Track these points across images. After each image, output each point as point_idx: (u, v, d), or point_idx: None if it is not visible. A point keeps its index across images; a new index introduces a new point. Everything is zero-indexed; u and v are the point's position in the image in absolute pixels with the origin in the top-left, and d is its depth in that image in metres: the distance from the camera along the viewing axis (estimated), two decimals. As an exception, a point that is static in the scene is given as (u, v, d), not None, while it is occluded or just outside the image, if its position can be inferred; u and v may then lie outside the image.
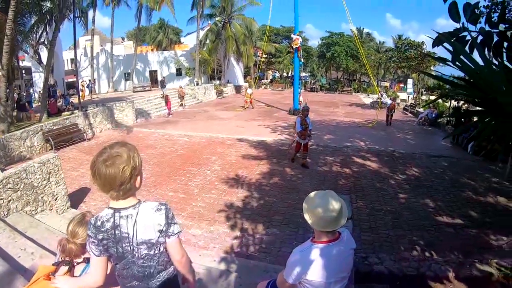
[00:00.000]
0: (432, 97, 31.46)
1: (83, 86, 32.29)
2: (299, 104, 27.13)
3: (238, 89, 48.75)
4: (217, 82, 47.06)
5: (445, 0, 2.72)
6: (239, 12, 45.57)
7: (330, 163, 12.83)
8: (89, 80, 37.68)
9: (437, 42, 2.73)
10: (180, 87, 32.61)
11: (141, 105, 26.36)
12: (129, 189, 2.05)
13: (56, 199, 7.79)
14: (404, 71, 46.67)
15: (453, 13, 2.59)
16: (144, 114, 25.00)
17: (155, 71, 46.41)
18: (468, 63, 2.18)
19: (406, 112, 32.04)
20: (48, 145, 15.33)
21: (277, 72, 68.74)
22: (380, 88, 48.77)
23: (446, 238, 7.16)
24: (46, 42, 23.22)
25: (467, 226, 7.75)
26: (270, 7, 39.82)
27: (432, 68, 37.95)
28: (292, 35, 26.97)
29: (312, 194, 2.52)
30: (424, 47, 39.86)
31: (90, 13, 37.47)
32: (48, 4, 19.00)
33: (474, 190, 10.21)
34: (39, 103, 20.11)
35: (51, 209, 7.63)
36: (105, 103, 22.36)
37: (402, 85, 54.29)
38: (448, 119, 22.62)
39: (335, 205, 2.37)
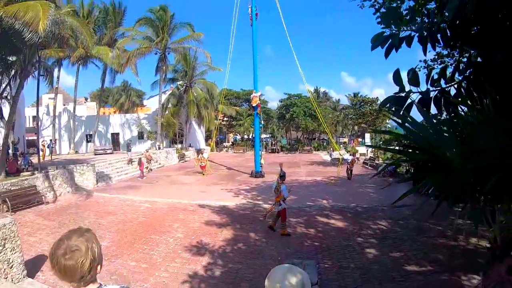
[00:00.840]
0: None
1: (43, 145, 31.68)
2: (261, 166, 27.28)
3: (200, 153, 48.89)
4: (179, 146, 47.13)
5: (386, 56, 2.90)
6: (200, 77, 46.99)
7: (294, 225, 12.73)
8: (50, 140, 37.06)
9: (383, 104, 2.88)
10: (146, 150, 32.39)
11: (102, 169, 25.90)
12: (89, 279, 2.00)
13: (11, 267, 7.23)
14: (362, 126, 48.58)
15: (397, 79, 2.81)
16: (105, 178, 24.45)
17: (117, 134, 46.39)
18: (413, 128, 2.30)
19: (366, 166, 32.84)
20: (4, 206, 14.63)
21: (238, 134, 69.73)
22: (341, 146, 50.16)
23: (416, 286, 7.12)
24: (8, 97, 22.72)
25: (437, 271, 7.78)
26: (227, 71, 40.96)
27: (387, 121, 39.90)
28: (252, 95, 27.59)
29: (273, 269, 2.46)
30: (378, 102, 41.93)
31: (56, 70, 37.48)
32: (13, 58, 18.88)
33: (440, 234, 10.41)
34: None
35: (6, 278, 7.06)
36: (66, 165, 21.87)
37: (360, 139, 56.33)
38: (407, 168, 23.22)
39: (293, 282, 2.32)
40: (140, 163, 26.97)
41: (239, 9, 28.08)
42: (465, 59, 3.54)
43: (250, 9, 26.19)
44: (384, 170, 24.90)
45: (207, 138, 57.75)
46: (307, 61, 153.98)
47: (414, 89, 2.90)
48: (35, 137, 29.57)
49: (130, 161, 29.98)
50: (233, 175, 28.85)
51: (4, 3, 15.22)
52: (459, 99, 2.85)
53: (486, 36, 2.79)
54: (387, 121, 40.87)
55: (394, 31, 2.97)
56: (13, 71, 19.50)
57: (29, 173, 18.53)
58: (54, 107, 39.06)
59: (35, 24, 14.40)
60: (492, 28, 2.71)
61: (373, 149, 39.65)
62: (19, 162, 20.41)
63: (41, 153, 23.33)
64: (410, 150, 2.53)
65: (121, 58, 36.94)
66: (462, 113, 2.70)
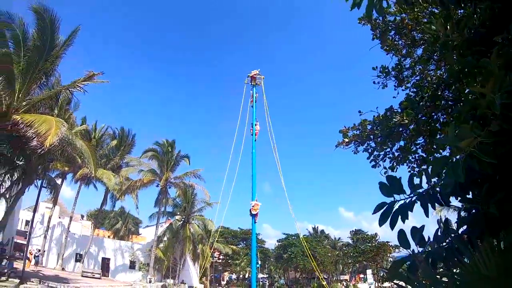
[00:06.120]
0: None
1: (31, 254, 30.44)
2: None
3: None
4: (171, 281, 44.88)
5: (392, 228, 3.07)
6: (199, 213, 47.22)
7: None
8: (38, 250, 35.74)
9: (391, 275, 3.04)
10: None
11: (87, 294, 24.14)
12: None
13: None
14: (363, 263, 47.00)
15: (403, 241, 2.87)
16: (88, 304, 22.69)
17: (108, 259, 44.60)
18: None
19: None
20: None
21: (234, 274, 67.01)
22: (343, 285, 47.83)
23: None
24: (7, 196, 22.49)
25: None
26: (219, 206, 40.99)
27: (389, 255, 38.71)
28: (250, 202, 27.33)
29: None
30: (377, 238, 41.33)
31: (58, 181, 37.72)
32: (21, 163, 19.25)
33: None
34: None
35: None
36: (49, 281, 20.68)
37: (362, 275, 53.97)
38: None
39: None
40: None
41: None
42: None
43: (251, 128, 29.33)
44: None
45: (202, 275, 55.46)
46: (305, 199, 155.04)
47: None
48: (24, 241, 28.60)
49: None
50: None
51: (24, 110, 16.42)
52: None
53: (478, 187, 2.88)
54: (389, 255, 39.73)
55: (394, 200, 3.00)
56: (16, 174, 19.85)
57: (10, 279, 17.62)
58: (50, 218, 38.59)
59: (43, 138, 15.25)
60: (484, 180, 2.83)
61: (376, 285, 37.83)
62: (2, 264, 19.63)
63: (26, 261, 22.40)
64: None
65: (123, 185, 37.80)
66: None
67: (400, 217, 2.95)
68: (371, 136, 6.82)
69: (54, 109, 20.11)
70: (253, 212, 26.85)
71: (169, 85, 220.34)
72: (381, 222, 2.97)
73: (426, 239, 2.97)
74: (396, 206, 2.96)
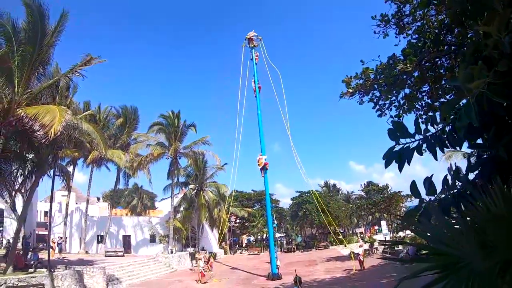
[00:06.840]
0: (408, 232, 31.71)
1: (53, 242, 31.31)
2: (277, 268, 26.30)
3: (214, 256, 47.81)
4: (192, 249, 46.10)
5: (400, 170, 3.10)
6: (211, 179, 47.85)
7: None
8: (60, 238, 36.75)
9: (406, 218, 3.08)
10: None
11: (113, 272, 25.17)
12: None
13: None
14: (376, 215, 47.81)
15: (414, 191, 3.03)
16: (115, 281, 23.70)
17: (129, 236, 45.78)
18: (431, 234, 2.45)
19: (386, 254, 31.51)
20: (10, 302, 14.08)
21: (251, 236, 68.46)
22: (359, 237, 48.83)
23: None
24: (23, 191, 23.03)
25: None
26: (232, 171, 41.54)
27: (401, 205, 39.37)
28: (258, 157, 28.30)
29: None
30: (389, 189, 41.84)
31: (70, 168, 38.47)
32: (31, 156, 19.59)
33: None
34: (4, 250, 19.29)
35: None
36: (75, 265, 21.52)
37: (376, 227, 54.85)
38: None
39: None
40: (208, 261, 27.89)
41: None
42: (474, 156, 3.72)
43: (253, 82, 30.68)
44: (405, 255, 23.84)
45: (221, 241, 56.79)
46: (316, 156, 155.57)
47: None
48: (45, 232, 29.46)
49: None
50: (249, 278, 27.77)
51: (26, 103, 16.41)
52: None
53: (487, 130, 2.91)
54: (401, 205, 40.38)
55: (402, 145, 3.11)
56: (28, 166, 20.18)
57: (38, 270, 18.27)
58: (67, 205, 39.37)
59: (48, 128, 15.34)
60: (491, 123, 2.87)
61: (391, 236, 38.58)
62: (28, 257, 20.29)
63: (50, 250, 23.21)
64: (432, 256, 2.52)
65: (134, 162, 38.19)
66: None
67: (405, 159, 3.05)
68: (375, 85, 6.76)
69: (56, 97, 20.15)
70: (259, 166, 27.44)
71: (165, 55, 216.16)
72: (387, 164, 3.14)
73: (438, 189, 3.06)
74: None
